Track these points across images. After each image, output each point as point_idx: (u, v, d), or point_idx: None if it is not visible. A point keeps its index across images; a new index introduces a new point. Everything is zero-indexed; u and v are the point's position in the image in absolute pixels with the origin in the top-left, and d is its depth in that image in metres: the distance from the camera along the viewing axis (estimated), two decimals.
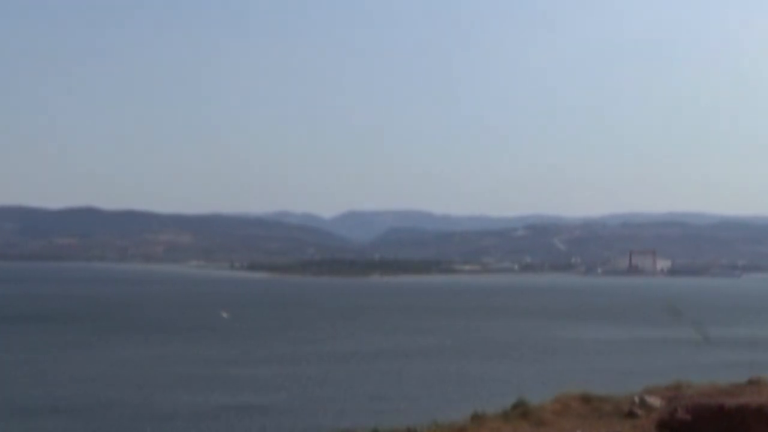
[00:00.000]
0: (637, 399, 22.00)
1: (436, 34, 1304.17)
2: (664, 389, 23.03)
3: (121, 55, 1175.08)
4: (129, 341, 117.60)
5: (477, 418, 22.09)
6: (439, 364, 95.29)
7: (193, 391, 77.11)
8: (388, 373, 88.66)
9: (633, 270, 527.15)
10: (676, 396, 21.81)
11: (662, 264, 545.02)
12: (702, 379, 25.21)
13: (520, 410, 22.21)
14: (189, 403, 71.10)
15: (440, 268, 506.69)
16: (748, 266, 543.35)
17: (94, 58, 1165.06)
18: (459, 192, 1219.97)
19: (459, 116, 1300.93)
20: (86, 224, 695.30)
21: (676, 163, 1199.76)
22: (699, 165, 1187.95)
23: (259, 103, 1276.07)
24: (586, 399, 22.84)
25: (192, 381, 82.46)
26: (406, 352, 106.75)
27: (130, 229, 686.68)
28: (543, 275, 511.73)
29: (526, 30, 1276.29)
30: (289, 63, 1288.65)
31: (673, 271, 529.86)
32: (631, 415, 21.30)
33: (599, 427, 20.75)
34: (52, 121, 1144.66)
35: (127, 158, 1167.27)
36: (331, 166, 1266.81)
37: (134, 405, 70.49)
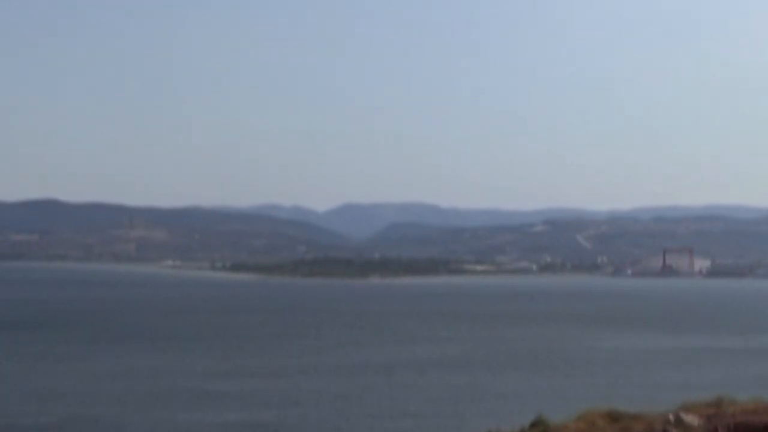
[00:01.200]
0: (672, 417, 22.23)
1: (446, 11, 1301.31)
2: (703, 406, 23.26)
3: (83, 35, 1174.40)
4: (104, 352, 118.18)
5: None
6: (451, 377, 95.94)
7: (176, 408, 77.72)
8: (394, 387, 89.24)
9: (667, 271, 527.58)
10: (716, 413, 22.15)
11: (701, 264, 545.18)
12: (746, 395, 25.54)
13: (539, 429, 22.70)
14: (171, 422, 71.82)
15: (448, 268, 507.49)
16: None
17: (54, 37, 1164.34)
18: (469, 183, 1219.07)
19: (467, 98, 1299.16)
20: (47, 219, 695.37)
21: (716, 149, 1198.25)
22: (742, 152, 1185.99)
23: (242, 85, 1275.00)
24: (614, 417, 23.14)
25: (176, 396, 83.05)
26: (414, 364, 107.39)
27: (97, 224, 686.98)
28: (565, 276, 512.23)
29: (546, 7, 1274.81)
30: (278, 42, 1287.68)
31: (713, 272, 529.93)
32: None
33: None
34: (8, 103, 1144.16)
35: (94, 145, 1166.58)
36: (324, 153, 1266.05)
37: (109, 424, 71.11)
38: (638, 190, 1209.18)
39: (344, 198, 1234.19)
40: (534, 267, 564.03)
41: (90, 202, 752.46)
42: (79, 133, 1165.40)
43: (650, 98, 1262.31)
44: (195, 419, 72.72)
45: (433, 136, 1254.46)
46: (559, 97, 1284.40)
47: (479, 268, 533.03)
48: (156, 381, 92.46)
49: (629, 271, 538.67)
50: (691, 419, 21.95)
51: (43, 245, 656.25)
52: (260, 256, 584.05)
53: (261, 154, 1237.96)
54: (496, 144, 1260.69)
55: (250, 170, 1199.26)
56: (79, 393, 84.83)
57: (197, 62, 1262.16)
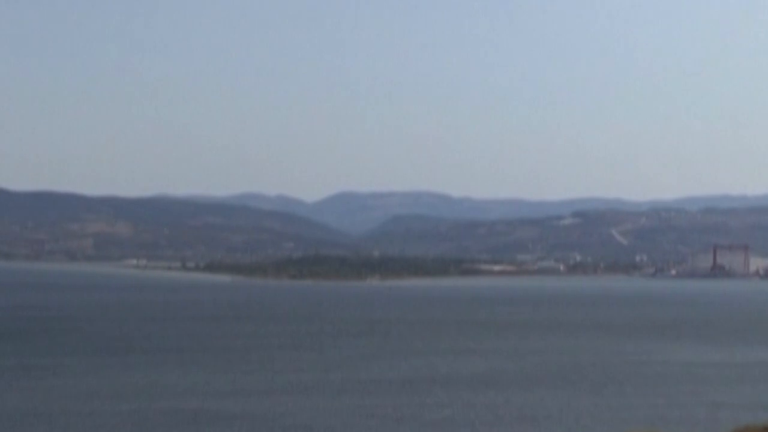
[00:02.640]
0: None
1: None
2: (760, 428, 25.07)
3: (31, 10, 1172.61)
4: (66, 367, 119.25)
5: None
6: (472, 395, 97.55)
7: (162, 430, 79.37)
8: (407, 406, 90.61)
9: (718, 271, 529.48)
10: None
11: (758, 263, 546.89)
12: None
13: None
14: None
15: (460, 268, 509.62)
16: None
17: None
18: (485, 168, 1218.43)
19: (483, 73, 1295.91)
20: None
21: None
22: None
23: (219, 60, 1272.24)
24: None
25: (153, 419, 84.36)
26: (431, 381, 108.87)
27: (48, 216, 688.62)
28: (598, 278, 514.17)
29: None
30: (260, 18, 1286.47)
31: None
32: None
33: None
34: None
35: (43, 125, 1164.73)
36: (314, 134, 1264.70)
37: None
38: (684, 177, 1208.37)
39: (338, 186, 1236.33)
40: (561, 267, 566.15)
41: (39, 191, 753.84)
42: (25, 112, 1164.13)
43: (698, 74, 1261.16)
44: None
45: (442, 115, 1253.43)
46: (592, 71, 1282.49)
47: (497, 268, 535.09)
48: (129, 400, 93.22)
49: (673, 272, 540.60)
50: None
51: None
52: (240, 255, 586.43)
53: (241, 135, 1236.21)
54: (517, 124, 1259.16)
55: (228, 153, 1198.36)
56: (39, 414, 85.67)
57: (168, 38, 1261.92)
